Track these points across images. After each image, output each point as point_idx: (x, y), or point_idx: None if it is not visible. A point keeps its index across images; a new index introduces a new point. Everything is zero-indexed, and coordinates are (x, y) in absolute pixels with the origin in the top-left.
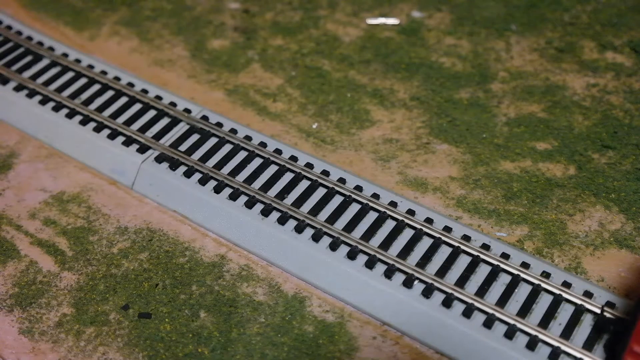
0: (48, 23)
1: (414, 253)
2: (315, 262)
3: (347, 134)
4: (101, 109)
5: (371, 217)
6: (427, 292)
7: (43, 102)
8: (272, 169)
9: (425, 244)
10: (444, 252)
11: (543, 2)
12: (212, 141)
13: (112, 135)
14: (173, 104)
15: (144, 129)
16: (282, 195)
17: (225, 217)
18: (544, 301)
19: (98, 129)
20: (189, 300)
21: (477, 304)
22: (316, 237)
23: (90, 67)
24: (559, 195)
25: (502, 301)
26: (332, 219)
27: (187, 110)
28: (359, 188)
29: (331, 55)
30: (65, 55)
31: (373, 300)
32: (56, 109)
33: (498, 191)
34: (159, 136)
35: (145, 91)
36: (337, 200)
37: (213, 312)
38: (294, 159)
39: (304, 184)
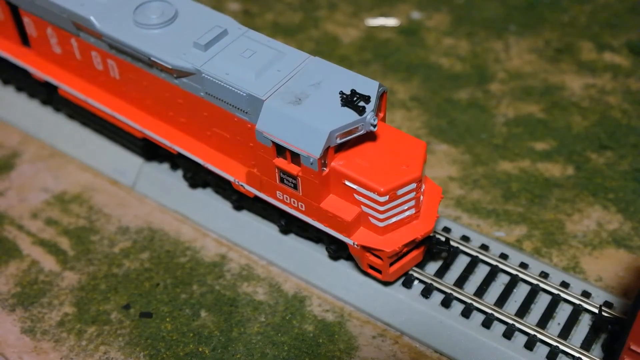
0: None
1: None
2: (315, 262)
3: None
4: None
5: None
6: (426, 292)
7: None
8: None
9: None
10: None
11: (541, 3)
12: None
13: None
14: None
15: None
16: None
17: (225, 217)
18: (543, 301)
19: None
20: (190, 300)
21: (475, 304)
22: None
23: None
24: (558, 195)
25: (501, 301)
26: None
27: None
28: None
29: (331, 55)
30: None
31: (373, 300)
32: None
33: (497, 191)
34: None
35: None
36: None
37: (214, 311)
38: None
39: None
